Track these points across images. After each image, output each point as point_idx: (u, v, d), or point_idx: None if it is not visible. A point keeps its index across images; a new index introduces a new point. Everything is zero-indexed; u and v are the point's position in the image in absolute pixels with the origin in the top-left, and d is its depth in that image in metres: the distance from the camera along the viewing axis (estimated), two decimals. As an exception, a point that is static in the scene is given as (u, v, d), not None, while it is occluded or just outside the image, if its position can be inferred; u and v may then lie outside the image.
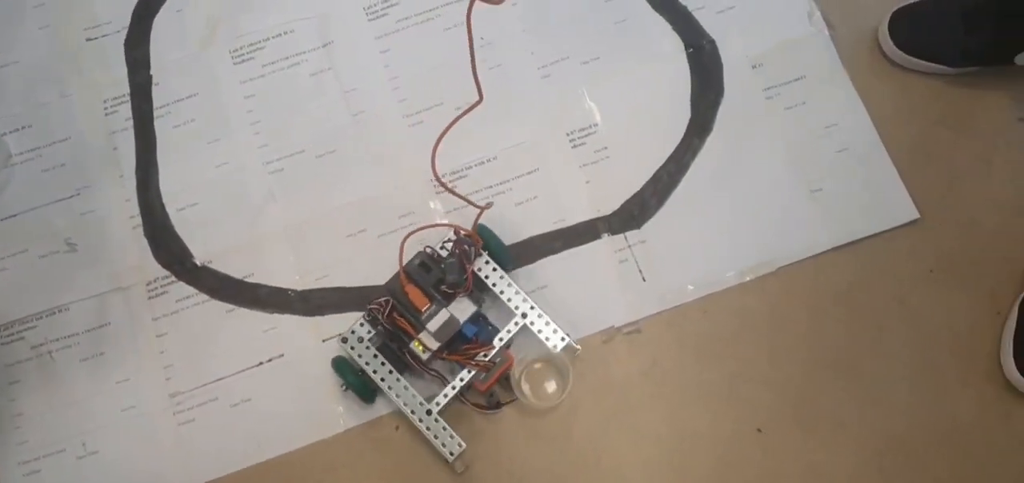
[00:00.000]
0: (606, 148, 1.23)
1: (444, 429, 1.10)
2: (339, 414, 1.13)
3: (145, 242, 1.21)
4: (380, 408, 1.13)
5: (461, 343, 1.11)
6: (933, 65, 1.24)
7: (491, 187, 1.22)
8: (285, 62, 1.30)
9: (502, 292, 1.14)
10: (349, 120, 1.26)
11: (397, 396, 1.10)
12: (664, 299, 1.16)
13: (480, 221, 1.13)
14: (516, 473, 1.11)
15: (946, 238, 1.19)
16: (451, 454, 1.09)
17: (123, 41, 1.31)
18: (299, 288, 1.18)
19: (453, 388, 1.11)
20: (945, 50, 1.24)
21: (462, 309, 1.10)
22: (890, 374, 1.13)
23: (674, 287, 1.17)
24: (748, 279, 1.17)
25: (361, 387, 1.11)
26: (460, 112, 0.96)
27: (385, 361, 1.11)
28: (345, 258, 1.19)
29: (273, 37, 1.31)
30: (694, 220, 1.20)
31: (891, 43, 1.25)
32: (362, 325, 1.13)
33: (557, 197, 1.21)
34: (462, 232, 1.14)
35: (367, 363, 1.11)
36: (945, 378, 1.13)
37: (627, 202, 1.21)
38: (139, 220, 1.22)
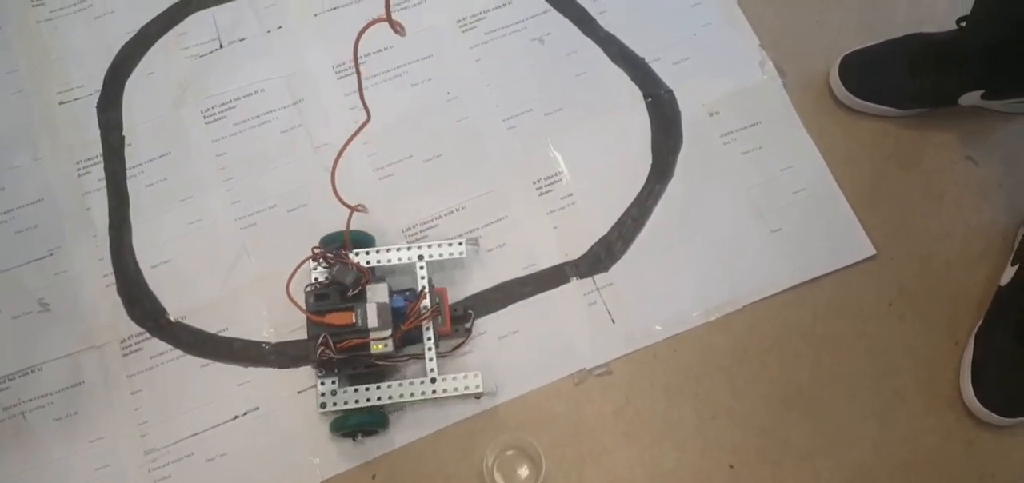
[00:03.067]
0: (572, 195, 1.26)
1: (454, 379, 1.13)
2: (315, 465, 1.13)
3: (119, 300, 1.22)
4: (358, 456, 1.14)
5: (401, 318, 1.13)
6: (882, 107, 1.29)
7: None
8: (256, 120, 1.32)
9: (390, 259, 1.17)
10: (321, 174, 1.28)
11: (400, 396, 1.12)
12: (633, 340, 1.19)
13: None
14: (493, 517, 1.12)
15: (903, 272, 1.22)
16: (478, 388, 1.13)
17: (95, 103, 1.33)
18: (273, 341, 1.19)
19: (429, 348, 1.14)
20: (893, 93, 1.28)
21: (378, 293, 1.13)
22: (854, 406, 1.16)
23: (642, 328, 1.19)
24: (714, 318, 1.20)
25: (371, 422, 1.12)
26: (352, 134, 0.99)
27: (366, 385, 1.13)
28: (318, 310, 1.21)
29: (244, 96, 1.33)
30: (659, 262, 1.23)
31: (842, 87, 1.30)
32: (322, 383, 1.13)
33: (526, 243, 1.24)
34: (316, 250, 1.17)
35: (356, 401, 1.12)
36: (908, 408, 1.16)
37: (594, 246, 1.23)
38: (112, 278, 1.23)
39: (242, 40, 1.37)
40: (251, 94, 1.33)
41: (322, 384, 1.13)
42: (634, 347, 1.18)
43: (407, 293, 1.16)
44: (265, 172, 1.29)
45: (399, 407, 1.15)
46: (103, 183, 1.28)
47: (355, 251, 1.17)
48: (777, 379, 1.17)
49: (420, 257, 1.18)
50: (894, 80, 1.28)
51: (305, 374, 1.17)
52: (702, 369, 1.17)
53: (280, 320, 1.20)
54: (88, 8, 1.39)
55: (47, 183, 1.28)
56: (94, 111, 1.32)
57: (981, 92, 1.24)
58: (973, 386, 1.15)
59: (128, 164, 1.29)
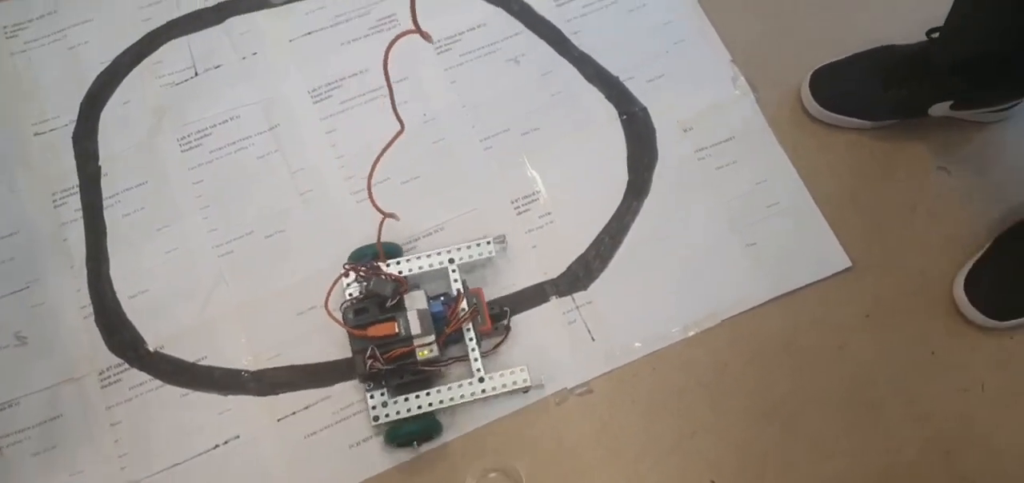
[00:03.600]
0: (550, 213, 1.27)
1: (501, 375, 1.15)
2: (298, 492, 1.13)
3: (97, 331, 1.21)
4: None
5: (442, 323, 1.15)
6: (854, 120, 1.30)
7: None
8: (232, 147, 1.32)
9: (421, 266, 1.19)
10: (297, 200, 1.28)
11: (451, 400, 1.14)
12: (613, 358, 1.19)
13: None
14: (476, 539, 1.12)
15: (878, 284, 1.23)
16: (526, 382, 1.15)
17: (71, 134, 1.32)
18: (252, 368, 1.19)
19: (473, 349, 1.16)
20: (864, 106, 1.30)
21: (417, 300, 1.14)
22: (833, 419, 1.16)
23: (622, 345, 1.19)
24: (692, 334, 1.20)
25: (425, 429, 1.13)
26: (387, 144, 1.01)
27: (415, 395, 1.14)
28: (297, 336, 1.20)
29: (220, 123, 1.33)
30: (638, 279, 1.23)
31: (813, 101, 1.31)
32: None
33: (505, 264, 1.24)
34: (348, 267, 1.18)
35: (408, 410, 1.13)
36: (887, 419, 1.17)
37: (573, 264, 1.24)
38: (90, 310, 1.22)
39: (217, 67, 1.37)
40: (227, 121, 1.33)
41: (372, 397, 1.14)
42: (614, 365, 1.19)
43: (442, 297, 1.18)
44: (242, 199, 1.29)
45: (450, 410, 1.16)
46: (80, 214, 1.28)
47: (387, 262, 1.18)
48: (756, 393, 1.18)
49: (451, 260, 1.19)
50: (865, 93, 1.30)
51: (284, 400, 1.17)
52: (682, 385, 1.18)
53: (259, 347, 1.20)
54: (62, 39, 1.39)
55: (23, 215, 1.28)
56: (70, 142, 1.32)
57: (950, 103, 1.26)
58: (966, 280, 1.19)
59: (105, 194, 1.29)
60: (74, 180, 1.30)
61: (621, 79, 1.36)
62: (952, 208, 1.28)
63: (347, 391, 1.17)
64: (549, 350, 1.19)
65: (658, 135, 1.32)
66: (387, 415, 1.13)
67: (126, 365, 1.19)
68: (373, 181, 1.25)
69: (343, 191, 1.29)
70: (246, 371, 1.19)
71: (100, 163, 1.31)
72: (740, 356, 1.19)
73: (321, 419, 1.16)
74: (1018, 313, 1.18)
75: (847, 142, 1.32)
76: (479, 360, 1.16)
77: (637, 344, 1.19)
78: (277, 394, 1.18)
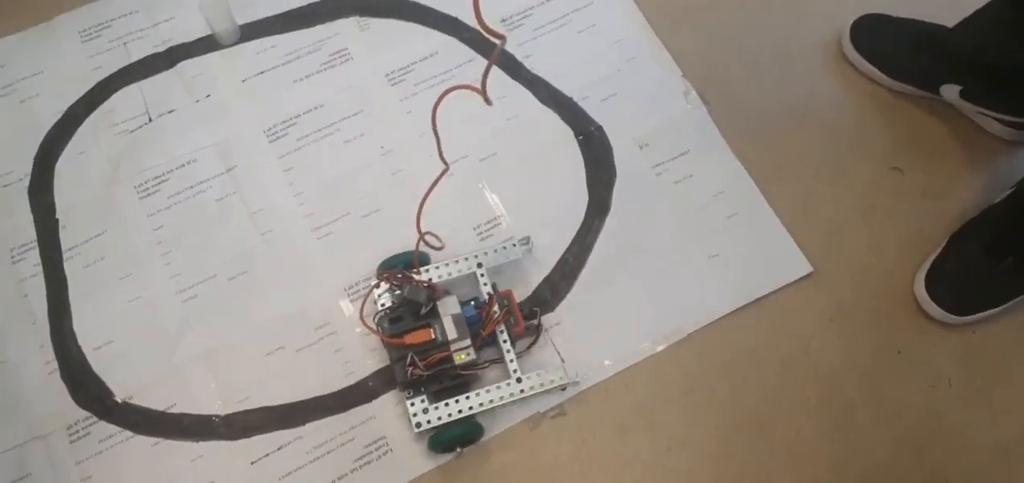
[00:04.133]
0: (513, 237, 1.27)
1: (538, 375, 1.16)
2: (273, 536, 1.12)
3: (63, 386, 1.19)
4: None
5: (478, 324, 1.17)
6: (878, 72, 1.39)
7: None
8: (191, 191, 1.31)
9: (451, 273, 1.21)
10: (258, 240, 1.27)
11: (491, 402, 1.15)
12: (584, 377, 1.19)
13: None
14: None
15: (840, 287, 1.25)
16: (563, 380, 1.17)
17: (26, 188, 1.31)
18: (223, 413, 1.18)
19: (508, 351, 1.17)
20: (890, 63, 1.38)
21: (450, 306, 1.17)
22: (805, 425, 1.17)
23: (592, 364, 1.20)
24: (661, 348, 1.21)
25: (467, 433, 1.14)
26: (433, 182, 1.05)
27: (455, 399, 1.14)
28: (266, 377, 1.19)
29: (177, 168, 1.32)
30: (604, 297, 1.24)
31: (851, 46, 1.39)
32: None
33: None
34: (384, 275, 1.20)
35: (449, 415, 1.13)
36: (859, 420, 1.18)
37: (539, 287, 1.24)
38: (55, 365, 1.20)
39: (171, 112, 1.36)
40: (184, 165, 1.33)
41: (412, 404, 1.14)
42: (586, 385, 1.19)
43: (473, 302, 1.20)
44: (203, 242, 1.28)
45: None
46: (40, 268, 1.26)
47: (417, 270, 1.20)
48: (728, 404, 1.18)
49: (479, 264, 1.21)
50: (894, 53, 1.36)
51: (257, 443, 1.16)
52: (653, 401, 1.18)
53: (229, 391, 1.18)
54: (12, 93, 1.38)
55: (-20, 274, 1.26)
56: (25, 196, 1.30)
57: (960, 89, 1.31)
58: (926, 277, 1.21)
59: (64, 247, 1.27)
60: (32, 234, 1.28)
61: (575, 100, 1.37)
62: (907, 208, 1.30)
63: (320, 430, 1.16)
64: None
65: (615, 153, 1.33)
66: (429, 422, 1.13)
67: (94, 418, 1.17)
68: (332, 217, 1.26)
69: (304, 228, 1.28)
70: (217, 416, 1.18)
71: (57, 216, 1.29)
72: (710, 368, 1.20)
73: (295, 459, 1.15)
74: (978, 307, 1.21)
75: (801, 149, 1.34)
76: (515, 361, 1.17)
77: (607, 362, 1.20)
78: (250, 437, 1.17)
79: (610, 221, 1.29)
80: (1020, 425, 1.17)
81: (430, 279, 1.20)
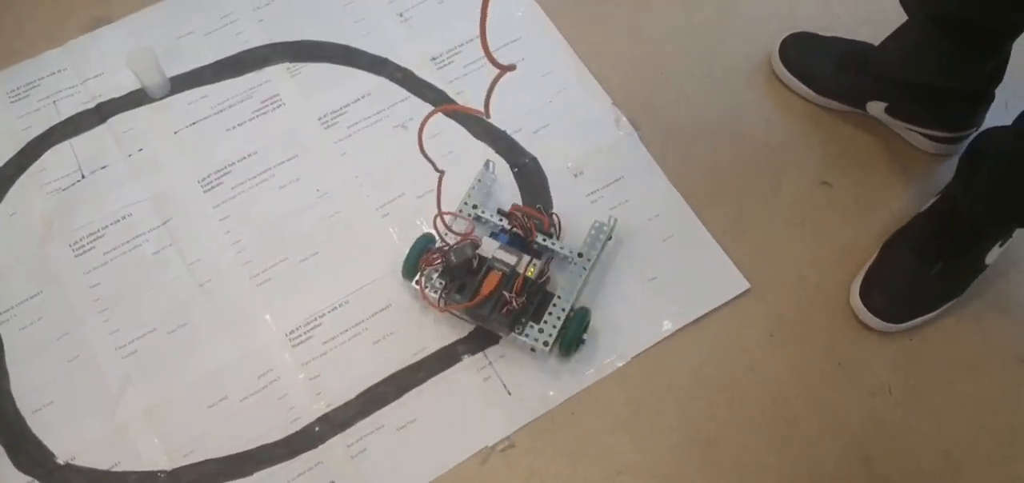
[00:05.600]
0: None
1: (586, 241, 1.26)
2: None
3: (2, 451, 1.16)
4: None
5: (519, 242, 1.25)
6: (804, 87, 1.42)
7: (346, 331, 1.23)
8: (126, 246, 1.30)
9: (456, 229, 1.26)
10: (197, 291, 1.26)
11: (575, 288, 1.22)
12: (531, 409, 1.19)
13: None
14: None
15: (778, 302, 1.27)
16: (608, 227, 1.27)
17: (-43, 254, 1.29)
18: (169, 468, 1.16)
19: (553, 243, 1.26)
20: (815, 78, 1.42)
21: (489, 244, 1.23)
22: (752, 440, 1.18)
23: (537, 395, 1.20)
24: (605, 374, 1.21)
25: (581, 321, 1.20)
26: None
27: (553, 304, 1.21)
28: (210, 429, 1.18)
29: (111, 223, 1.31)
30: (546, 326, 1.24)
31: (780, 63, 1.43)
32: (526, 335, 1.19)
33: (413, 329, 1.24)
34: (425, 260, 1.23)
35: (558, 319, 1.20)
36: (804, 432, 1.19)
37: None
38: (-8, 430, 1.18)
39: (103, 168, 1.35)
40: (118, 221, 1.31)
41: (526, 336, 1.19)
42: (533, 415, 1.19)
43: (499, 232, 1.26)
44: (141, 297, 1.26)
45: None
46: (-26, 333, 1.24)
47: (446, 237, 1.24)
48: (675, 425, 1.19)
49: (475, 206, 1.29)
50: (820, 67, 1.40)
51: (204, 498, 1.15)
52: (601, 426, 1.19)
53: (173, 446, 1.17)
54: (-61, 156, 1.36)
55: (-86, 344, 1.23)
56: (-44, 264, 1.29)
57: (885, 106, 1.35)
58: (861, 288, 1.24)
59: (-1, 310, 1.26)
60: (-35, 299, 1.26)
61: (508, 133, 1.39)
62: (838, 220, 1.33)
63: (268, 479, 1.15)
64: (467, 409, 1.19)
65: (550, 183, 1.35)
66: (548, 338, 1.19)
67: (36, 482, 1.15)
68: (269, 263, 1.25)
69: (242, 276, 1.28)
70: (163, 472, 1.15)
71: (-10, 279, 1.28)
72: (654, 391, 1.21)
73: (243, 510, 1.14)
74: (912, 314, 1.23)
75: (732, 169, 1.37)
76: (564, 246, 1.25)
77: (552, 392, 1.20)
78: (196, 492, 1.15)
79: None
80: (961, 427, 1.19)
81: (464, 233, 1.24)
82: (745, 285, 1.27)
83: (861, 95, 1.37)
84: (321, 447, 1.16)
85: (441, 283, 1.21)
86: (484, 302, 1.18)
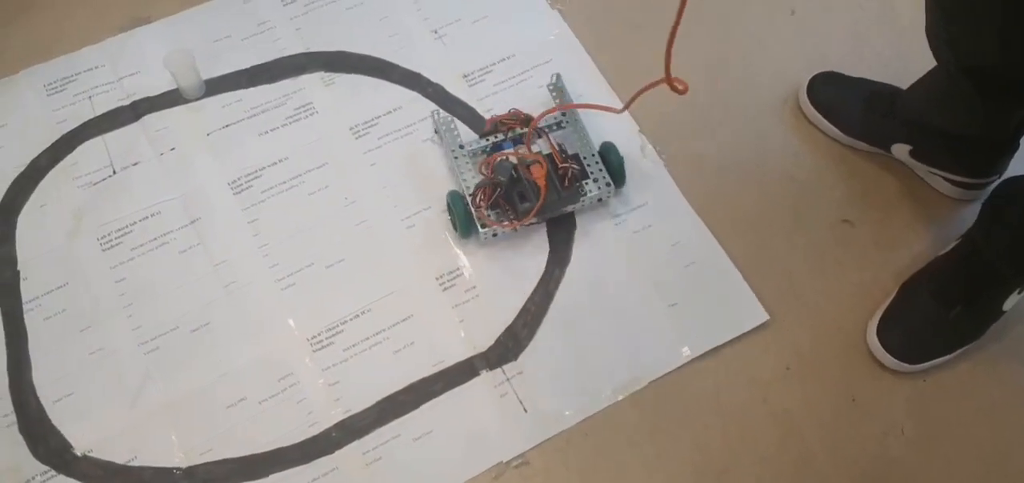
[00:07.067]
0: (475, 287, 1.29)
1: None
2: None
3: (21, 439, 1.17)
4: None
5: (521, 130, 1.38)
6: (832, 128, 1.43)
7: (368, 339, 1.24)
8: (154, 243, 1.31)
9: (474, 149, 1.37)
10: (221, 291, 1.28)
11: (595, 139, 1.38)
12: (546, 427, 1.19)
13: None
14: None
15: (796, 335, 1.27)
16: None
17: (-13, 242, 1.31)
18: (184, 466, 1.16)
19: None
20: (843, 119, 1.42)
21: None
22: (765, 472, 1.18)
23: (554, 414, 1.20)
24: (622, 397, 1.22)
25: (619, 165, 1.34)
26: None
27: (594, 162, 1.35)
28: (228, 429, 1.19)
29: (140, 220, 1.33)
30: (565, 346, 1.25)
31: (808, 102, 1.44)
32: (588, 193, 1.32)
33: (433, 340, 1.25)
34: (478, 193, 1.31)
35: (601, 170, 1.34)
36: (816, 468, 1.19)
37: (501, 336, 1.25)
38: (13, 417, 1.19)
39: (135, 164, 1.37)
40: (147, 218, 1.33)
41: (588, 193, 1.32)
42: (548, 434, 1.19)
43: (502, 143, 1.37)
44: (165, 294, 1.28)
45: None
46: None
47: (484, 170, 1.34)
48: (689, 453, 1.19)
49: (461, 147, 1.36)
50: (847, 108, 1.41)
51: (219, 496, 1.16)
52: (614, 449, 1.19)
53: (190, 444, 1.18)
54: (-26, 148, 1.38)
55: (-61, 327, 1.25)
56: (-14, 250, 1.30)
57: (909, 149, 1.35)
58: (878, 327, 1.24)
59: (25, 298, 1.27)
60: (-8, 287, 1.28)
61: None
62: (858, 258, 1.33)
63: (285, 480, 1.16)
64: (483, 424, 1.20)
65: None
66: (607, 179, 1.33)
67: (53, 472, 1.16)
68: (295, 268, 1.27)
69: (267, 279, 1.29)
70: (178, 469, 1.16)
71: (19, 268, 1.29)
72: (669, 416, 1.21)
73: (258, 511, 1.15)
74: (929, 355, 1.23)
75: (756, 201, 1.38)
76: (547, 120, 1.38)
77: (568, 412, 1.20)
78: (212, 490, 1.16)
79: (571, 270, 1.30)
80: (972, 472, 1.19)
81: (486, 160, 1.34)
82: (764, 317, 1.27)
83: (886, 137, 1.38)
84: (337, 453, 1.17)
85: (504, 208, 1.29)
86: (550, 190, 1.29)
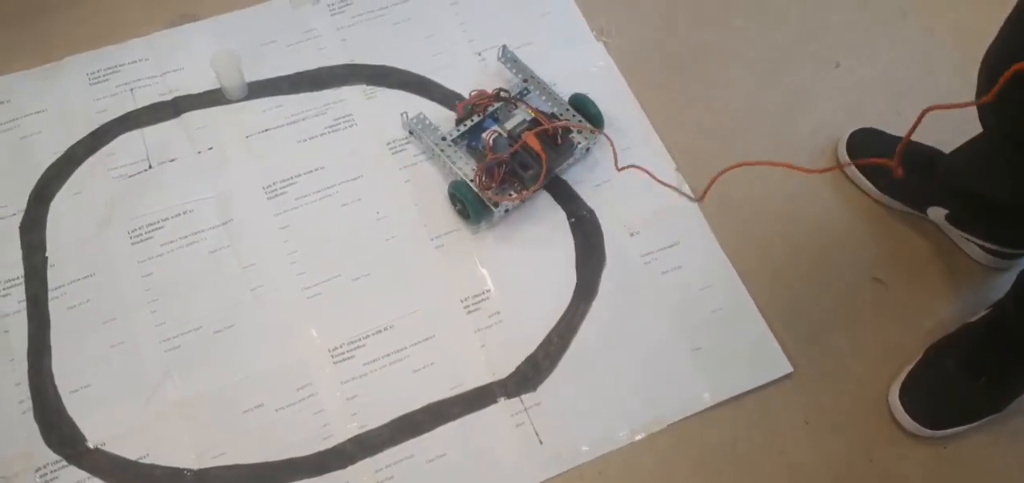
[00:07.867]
0: (499, 313, 1.28)
1: None
2: None
3: (35, 426, 1.18)
4: None
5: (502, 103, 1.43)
6: (869, 184, 1.42)
7: (389, 355, 1.24)
8: (184, 241, 1.32)
9: (471, 125, 1.41)
10: (248, 295, 1.28)
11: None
12: (561, 461, 1.19)
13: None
14: None
15: (818, 390, 1.26)
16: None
17: (18, 224, 1.32)
18: (196, 468, 1.16)
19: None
20: (880, 176, 1.41)
21: (513, 118, 1.40)
22: (778, 526, 1.18)
23: (569, 448, 1.20)
24: (639, 437, 1.21)
25: (594, 109, 1.42)
26: None
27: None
28: (243, 434, 1.19)
29: (172, 217, 1.33)
30: (585, 381, 1.24)
31: (845, 152, 1.43)
32: (577, 146, 1.39)
33: (453, 363, 1.25)
34: (482, 174, 1.33)
35: (575, 116, 1.42)
36: (828, 527, 1.18)
37: (521, 365, 1.25)
38: (29, 404, 1.19)
39: (172, 161, 1.38)
40: (179, 215, 1.34)
41: (578, 147, 1.39)
42: (562, 468, 1.18)
43: (487, 121, 1.40)
44: (191, 293, 1.28)
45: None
46: (23, 305, 1.26)
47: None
48: (700, 497, 1.19)
49: (443, 138, 1.39)
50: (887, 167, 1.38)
51: (229, 500, 1.16)
52: (627, 489, 1.19)
53: (203, 446, 1.18)
54: (14, 129, 1.40)
55: (-36, 307, 1.26)
56: (17, 232, 1.31)
57: (946, 213, 1.34)
58: (901, 389, 1.23)
59: (51, 286, 1.28)
60: (19, 271, 1.29)
61: (569, 182, 1.40)
62: (886, 318, 1.32)
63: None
64: (497, 453, 1.19)
65: (606, 238, 1.35)
66: (588, 127, 1.40)
67: (64, 462, 1.16)
68: (322, 278, 1.27)
69: (294, 287, 1.29)
70: (189, 470, 1.16)
71: (47, 254, 1.30)
72: (685, 461, 1.20)
73: (266, 519, 1.15)
74: (950, 423, 1.22)
75: (788, 251, 1.37)
76: (511, 86, 1.45)
77: (585, 448, 1.20)
78: (220, 493, 1.16)
79: (597, 305, 1.30)
80: (986, 542, 1.18)
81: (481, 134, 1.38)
82: (788, 368, 1.26)
83: (923, 198, 1.37)
84: (350, 468, 1.17)
85: (513, 182, 1.34)
86: (548, 151, 1.33)
